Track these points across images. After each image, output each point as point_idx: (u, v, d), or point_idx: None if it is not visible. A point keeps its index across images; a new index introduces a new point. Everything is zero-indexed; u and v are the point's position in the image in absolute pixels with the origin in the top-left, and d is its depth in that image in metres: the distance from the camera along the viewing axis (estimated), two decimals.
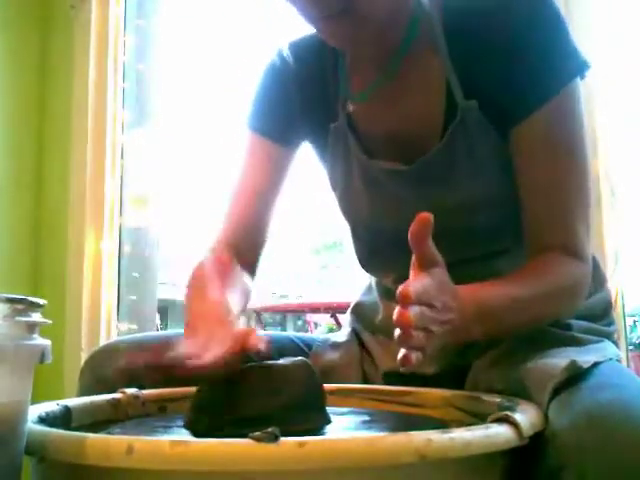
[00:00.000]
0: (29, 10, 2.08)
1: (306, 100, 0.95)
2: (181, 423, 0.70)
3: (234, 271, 0.85)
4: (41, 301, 0.52)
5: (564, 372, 0.63)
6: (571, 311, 0.82)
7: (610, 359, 0.70)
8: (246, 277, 0.90)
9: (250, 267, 0.95)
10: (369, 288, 1.05)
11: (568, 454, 0.55)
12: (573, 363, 0.63)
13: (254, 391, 0.64)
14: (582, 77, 0.81)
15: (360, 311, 1.05)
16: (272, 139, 0.97)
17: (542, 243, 0.80)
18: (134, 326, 2.04)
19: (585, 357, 0.66)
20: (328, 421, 0.67)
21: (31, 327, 0.50)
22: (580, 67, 0.80)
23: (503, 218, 0.85)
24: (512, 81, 0.79)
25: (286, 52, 0.97)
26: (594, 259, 0.95)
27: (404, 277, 0.90)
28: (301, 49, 0.97)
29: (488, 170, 0.83)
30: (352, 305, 1.08)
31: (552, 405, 0.61)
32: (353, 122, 0.91)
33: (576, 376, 0.63)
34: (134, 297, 2.06)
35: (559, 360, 0.65)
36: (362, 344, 1.01)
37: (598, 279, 0.93)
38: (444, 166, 0.83)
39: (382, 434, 0.50)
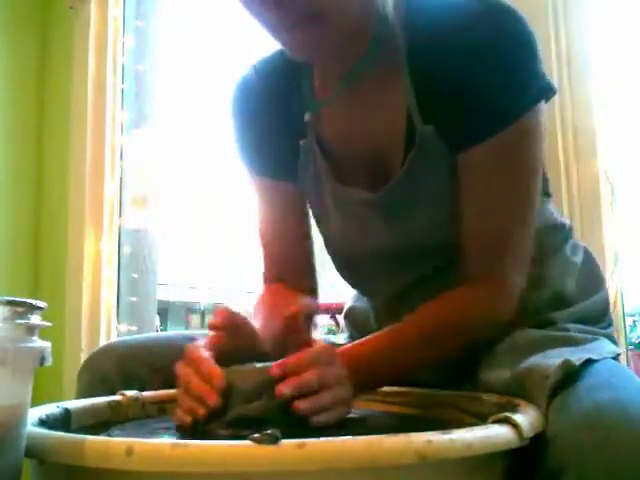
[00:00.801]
0: (28, 11, 2.08)
1: (277, 118, 0.92)
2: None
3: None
4: (41, 304, 0.52)
5: (558, 371, 0.63)
6: (480, 336, 0.80)
7: (605, 358, 0.70)
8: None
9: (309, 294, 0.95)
10: (360, 294, 1.05)
11: (568, 455, 0.55)
12: (567, 362, 0.63)
13: (254, 392, 0.64)
14: (546, 100, 0.78)
15: (353, 317, 1.05)
16: (271, 177, 0.95)
17: (467, 268, 0.81)
18: (134, 327, 2.04)
19: (580, 356, 0.66)
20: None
21: (31, 329, 0.50)
22: (542, 93, 0.77)
23: None
24: (466, 108, 0.75)
25: (252, 73, 0.94)
26: (592, 260, 0.95)
27: (383, 297, 0.92)
28: (267, 67, 0.94)
29: (450, 191, 0.81)
30: (345, 309, 1.07)
31: (551, 406, 0.61)
32: (321, 141, 0.89)
33: (572, 375, 0.63)
34: (134, 298, 2.06)
35: (554, 360, 0.65)
36: None
37: (596, 281, 0.93)
38: (408, 192, 0.82)
39: (382, 435, 0.50)
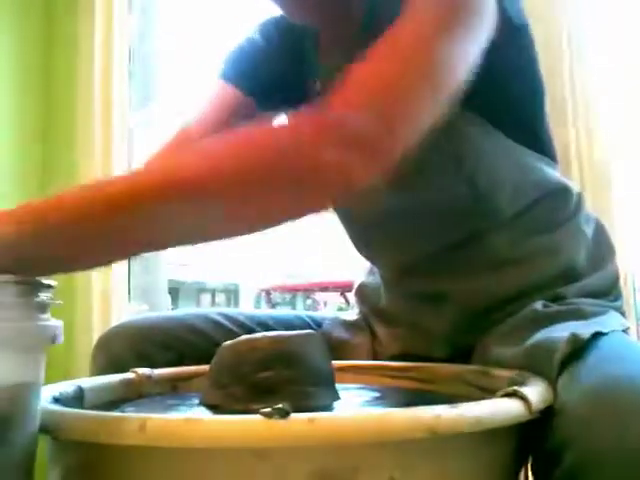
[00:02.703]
0: (32, 9, 2.07)
1: (282, 74, 0.94)
2: (193, 401, 0.71)
3: None
4: (52, 282, 0.53)
5: (566, 345, 0.63)
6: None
7: (614, 331, 0.70)
8: None
9: None
10: (371, 269, 1.05)
11: (575, 427, 0.56)
12: (575, 335, 0.63)
13: (265, 362, 0.64)
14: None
15: (363, 293, 1.04)
16: (239, 87, 0.94)
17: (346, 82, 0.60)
18: (145, 306, 2.05)
19: (588, 329, 0.66)
20: (337, 397, 0.67)
21: (42, 308, 0.51)
22: None
23: (482, 188, 0.81)
24: None
25: (263, 29, 0.97)
26: (603, 231, 0.94)
27: (396, 265, 0.91)
28: (278, 25, 0.96)
29: (446, 136, 0.73)
30: (356, 287, 1.07)
31: (560, 379, 0.61)
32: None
33: (581, 349, 0.63)
34: (144, 278, 2.08)
35: (561, 333, 0.65)
36: (370, 326, 1.02)
37: (606, 253, 0.92)
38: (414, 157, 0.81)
39: (392, 410, 0.51)
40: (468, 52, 0.64)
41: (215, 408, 0.65)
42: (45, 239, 0.54)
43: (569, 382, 0.60)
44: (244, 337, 0.67)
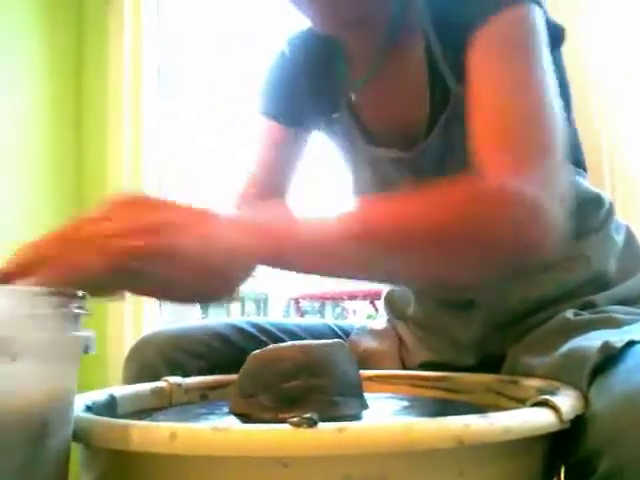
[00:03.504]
0: (64, 4, 2.12)
1: (313, 89, 0.97)
2: (223, 410, 0.71)
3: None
4: (85, 293, 0.54)
5: (598, 354, 0.62)
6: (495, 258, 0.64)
7: None
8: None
9: None
10: None
11: (606, 435, 0.55)
12: (606, 344, 0.62)
13: (293, 372, 0.64)
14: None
15: (391, 301, 1.05)
16: (281, 122, 0.99)
17: (477, 162, 0.68)
18: (175, 316, 2.07)
19: (621, 337, 0.65)
20: (365, 406, 0.67)
21: (74, 319, 0.52)
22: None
23: None
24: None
25: (293, 43, 0.99)
26: (633, 239, 0.92)
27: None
28: (307, 39, 0.98)
29: None
30: (384, 295, 1.07)
31: (591, 388, 0.60)
32: (355, 110, 0.92)
33: (613, 357, 0.62)
34: None
35: (593, 342, 0.65)
36: (397, 334, 1.02)
37: (634, 261, 0.91)
38: (443, 151, 0.83)
39: (420, 419, 0.50)
40: (553, 83, 0.72)
41: (244, 417, 0.65)
42: (283, 262, 0.61)
43: (600, 390, 0.59)
44: (271, 346, 0.68)
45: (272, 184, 0.99)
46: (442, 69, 0.81)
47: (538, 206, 0.63)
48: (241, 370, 0.69)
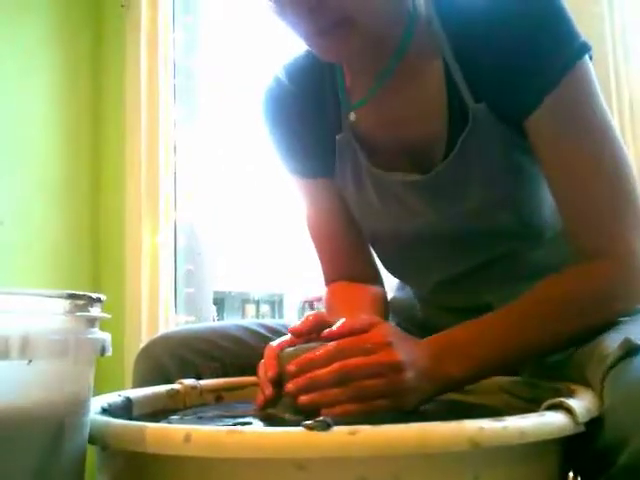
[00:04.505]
0: (82, 11, 2.14)
1: (309, 118, 0.93)
2: (237, 411, 0.72)
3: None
4: (101, 296, 0.54)
5: (618, 350, 0.61)
6: (602, 320, 0.73)
7: None
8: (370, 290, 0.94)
9: (372, 283, 0.97)
10: (402, 284, 1.05)
11: (625, 428, 0.54)
12: (627, 340, 0.62)
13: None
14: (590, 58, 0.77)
15: (397, 308, 1.04)
16: (311, 176, 0.96)
17: (575, 244, 0.77)
18: (191, 318, 2.08)
19: (636, 336, 0.65)
20: None
21: (91, 321, 0.52)
22: (579, 51, 0.75)
23: (526, 216, 0.83)
24: (509, 79, 0.75)
25: (281, 75, 0.94)
26: None
27: (433, 284, 0.91)
28: (296, 69, 0.94)
29: (501, 173, 0.81)
30: (389, 299, 1.07)
31: (606, 383, 0.60)
32: (358, 133, 0.88)
33: (631, 352, 0.61)
34: (190, 289, 2.11)
35: (614, 339, 0.64)
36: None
37: None
38: (459, 173, 0.81)
39: (434, 422, 0.50)
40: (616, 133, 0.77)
41: (267, 416, 0.66)
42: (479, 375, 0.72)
43: (618, 384, 0.59)
44: (304, 345, 0.68)
45: (343, 245, 0.98)
46: (459, 85, 0.79)
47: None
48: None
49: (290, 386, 0.63)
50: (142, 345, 0.98)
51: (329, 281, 0.99)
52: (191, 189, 2.13)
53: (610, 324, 0.72)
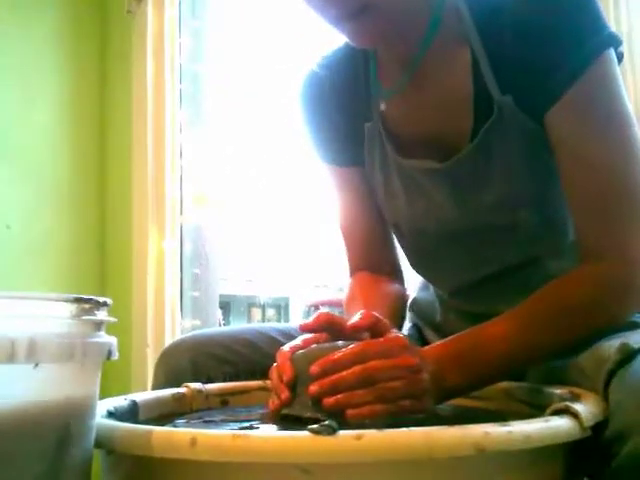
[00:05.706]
0: (88, 17, 2.14)
1: (344, 107, 0.94)
2: (242, 415, 0.72)
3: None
4: (107, 300, 0.54)
5: (616, 354, 0.62)
6: (606, 323, 0.74)
7: None
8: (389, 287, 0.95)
9: (394, 279, 0.99)
10: (426, 284, 1.05)
11: (629, 420, 0.55)
12: (625, 345, 0.62)
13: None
14: (617, 55, 0.76)
15: (418, 308, 1.05)
16: (343, 164, 0.97)
17: (582, 244, 0.77)
18: (197, 322, 2.08)
19: (638, 339, 0.65)
20: None
21: (98, 325, 0.53)
22: (604, 42, 0.74)
23: (546, 218, 0.84)
24: (534, 70, 0.75)
25: (319, 65, 0.97)
26: None
27: (452, 286, 0.92)
28: (333, 60, 0.96)
29: (523, 168, 0.81)
30: (410, 301, 1.07)
31: (612, 382, 0.61)
32: (387, 121, 0.90)
33: (630, 356, 0.62)
34: (196, 293, 2.11)
35: (612, 343, 0.64)
36: (423, 339, 1.01)
37: None
38: (479, 163, 0.82)
39: (439, 427, 0.50)
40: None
41: (282, 418, 0.67)
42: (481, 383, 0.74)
43: (622, 381, 0.60)
44: (316, 346, 0.69)
45: (370, 235, 0.99)
46: (486, 76, 0.79)
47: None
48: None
49: (314, 387, 0.63)
50: (149, 349, 0.99)
51: (354, 269, 1.00)
52: (197, 193, 2.13)
53: (611, 329, 0.72)
